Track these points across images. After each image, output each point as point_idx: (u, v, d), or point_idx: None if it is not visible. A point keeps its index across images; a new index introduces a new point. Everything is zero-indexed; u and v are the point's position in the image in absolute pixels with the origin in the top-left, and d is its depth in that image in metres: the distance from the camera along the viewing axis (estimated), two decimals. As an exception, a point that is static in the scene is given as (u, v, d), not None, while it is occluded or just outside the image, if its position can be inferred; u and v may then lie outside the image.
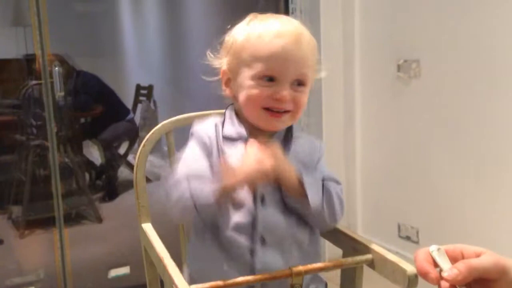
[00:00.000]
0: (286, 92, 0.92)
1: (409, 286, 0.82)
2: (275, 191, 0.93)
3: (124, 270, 2.48)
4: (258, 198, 0.92)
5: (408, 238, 2.29)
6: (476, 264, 0.56)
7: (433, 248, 0.59)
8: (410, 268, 0.83)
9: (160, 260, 0.90)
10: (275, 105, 0.93)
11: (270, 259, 0.91)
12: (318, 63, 0.99)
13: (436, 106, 2.08)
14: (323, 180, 0.95)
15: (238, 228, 0.91)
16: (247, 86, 0.94)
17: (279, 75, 0.92)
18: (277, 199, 0.93)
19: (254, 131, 0.97)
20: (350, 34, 2.43)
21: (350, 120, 2.49)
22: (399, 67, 2.22)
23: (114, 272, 2.48)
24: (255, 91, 0.93)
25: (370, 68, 2.41)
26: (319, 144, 1.03)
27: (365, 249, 0.93)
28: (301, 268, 0.87)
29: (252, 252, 0.91)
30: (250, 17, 0.99)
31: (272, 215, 0.92)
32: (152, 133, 1.11)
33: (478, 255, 0.58)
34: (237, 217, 0.91)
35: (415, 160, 2.21)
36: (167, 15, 4.95)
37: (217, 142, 0.96)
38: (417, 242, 2.25)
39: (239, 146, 0.95)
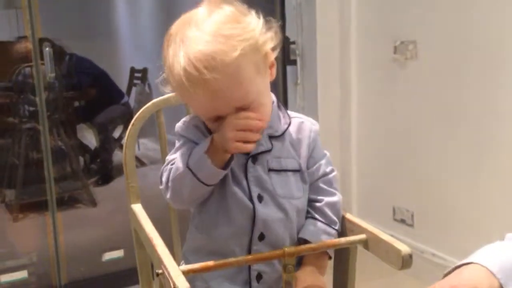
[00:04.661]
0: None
1: (403, 266, 0.81)
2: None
3: (118, 254, 2.47)
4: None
5: (403, 221, 2.28)
6: None
7: None
8: (404, 248, 0.81)
9: (149, 241, 0.88)
10: None
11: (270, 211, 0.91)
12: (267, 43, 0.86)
13: (432, 88, 2.06)
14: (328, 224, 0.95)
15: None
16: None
17: (217, 114, 0.85)
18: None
19: None
20: (347, 15, 2.40)
21: (346, 103, 2.46)
22: (395, 49, 2.19)
23: (108, 256, 2.47)
24: (210, 126, 0.89)
25: (366, 50, 2.37)
26: (310, 129, 0.98)
27: (359, 230, 0.91)
28: (293, 249, 0.85)
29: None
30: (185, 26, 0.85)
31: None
32: (142, 112, 1.08)
33: None
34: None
35: (411, 143, 2.19)
36: (161, -3, 4.89)
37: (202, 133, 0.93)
38: (411, 225, 2.24)
39: None
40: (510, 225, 1.76)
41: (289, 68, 2.52)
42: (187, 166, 0.86)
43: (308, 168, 0.96)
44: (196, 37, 0.81)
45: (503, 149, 1.81)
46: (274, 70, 0.91)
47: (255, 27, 0.85)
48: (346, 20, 2.39)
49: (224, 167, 0.86)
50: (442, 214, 2.07)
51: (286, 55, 2.49)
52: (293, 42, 2.47)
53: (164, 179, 0.91)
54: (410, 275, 1.85)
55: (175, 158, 0.90)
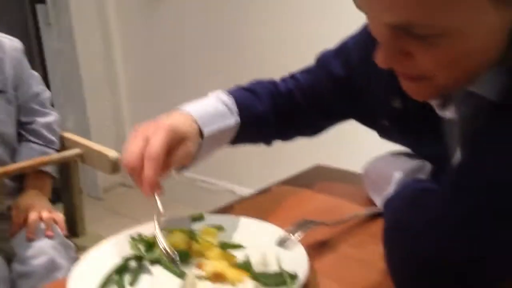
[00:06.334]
0: None
1: (114, 170, 0.85)
2: None
3: None
4: None
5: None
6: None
7: None
8: (113, 154, 0.85)
9: None
10: None
11: None
12: None
13: (188, 20, 2.12)
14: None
15: None
16: None
17: None
18: None
19: None
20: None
21: (107, 42, 2.40)
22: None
23: None
24: None
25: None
26: (13, 48, 0.93)
27: (75, 145, 0.93)
28: (1, 169, 0.83)
29: None
30: None
31: None
32: None
33: None
34: None
35: (177, 74, 2.24)
36: None
37: None
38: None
39: None
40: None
41: (39, 7, 2.33)
42: None
43: (15, 89, 0.93)
44: None
45: (257, 70, 1.96)
46: None
47: None
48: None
49: None
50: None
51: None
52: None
53: None
54: (187, 205, 1.97)
55: None
